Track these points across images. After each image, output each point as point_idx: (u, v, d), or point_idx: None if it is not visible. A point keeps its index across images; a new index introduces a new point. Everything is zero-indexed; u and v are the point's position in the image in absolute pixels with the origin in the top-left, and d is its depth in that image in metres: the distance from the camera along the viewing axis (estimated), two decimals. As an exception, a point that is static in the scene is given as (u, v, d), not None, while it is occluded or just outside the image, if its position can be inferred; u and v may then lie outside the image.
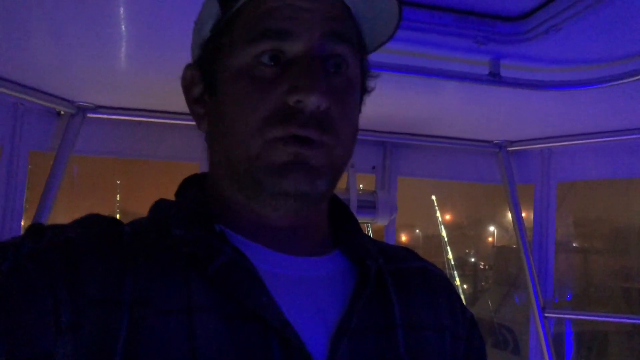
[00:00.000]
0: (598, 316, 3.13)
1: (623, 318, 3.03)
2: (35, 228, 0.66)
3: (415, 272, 0.81)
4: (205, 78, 0.73)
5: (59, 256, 0.62)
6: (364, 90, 0.77)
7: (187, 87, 0.76)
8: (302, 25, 0.67)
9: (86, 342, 0.58)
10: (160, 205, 0.75)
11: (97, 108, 2.15)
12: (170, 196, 0.78)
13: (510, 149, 2.64)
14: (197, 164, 2.17)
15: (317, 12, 0.68)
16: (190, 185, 0.77)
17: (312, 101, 0.64)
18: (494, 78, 1.59)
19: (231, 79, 0.69)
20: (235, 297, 0.64)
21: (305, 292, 0.69)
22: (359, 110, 0.76)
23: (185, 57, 0.82)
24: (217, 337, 0.61)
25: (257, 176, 0.67)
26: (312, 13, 0.67)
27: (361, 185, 2.48)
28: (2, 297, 0.57)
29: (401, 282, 0.77)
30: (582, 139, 2.44)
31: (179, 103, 0.78)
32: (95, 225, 0.68)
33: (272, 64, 0.67)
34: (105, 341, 0.59)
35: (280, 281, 0.68)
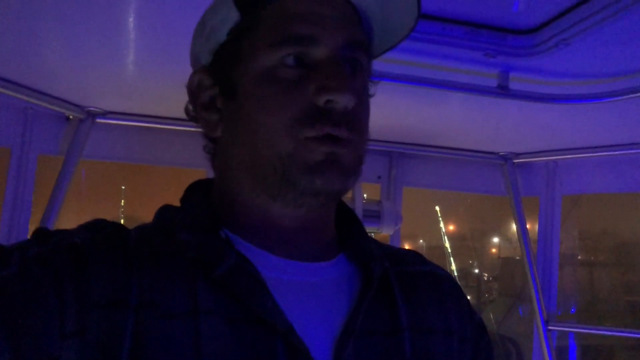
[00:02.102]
0: (602, 330, 3.12)
1: (627, 332, 3.01)
2: (41, 232, 0.67)
3: (423, 276, 0.81)
4: (222, 82, 0.73)
5: (65, 261, 0.62)
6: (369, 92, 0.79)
7: (194, 93, 0.76)
8: (325, 31, 0.68)
9: (92, 346, 0.59)
10: (165, 211, 0.75)
11: (106, 113, 2.16)
12: (175, 202, 0.78)
13: (516, 161, 2.64)
14: (204, 171, 2.18)
15: (338, 19, 0.70)
16: (196, 191, 0.77)
17: (344, 100, 0.66)
18: (503, 91, 1.60)
19: (254, 82, 0.69)
20: (240, 302, 0.64)
21: (309, 297, 0.69)
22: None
23: (195, 64, 0.82)
24: (222, 341, 0.62)
25: (290, 175, 0.67)
26: (334, 20, 0.69)
27: (365, 195, 2.48)
28: (8, 301, 0.57)
29: (408, 285, 0.77)
30: (588, 152, 2.44)
31: (188, 110, 0.78)
32: (101, 230, 0.69)
33: (296, 65, 0.68)
34: (110, 345, 0.59)
35: (285, 286, 0.68)
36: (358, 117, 0.69)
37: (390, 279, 0.76)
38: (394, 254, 0.82)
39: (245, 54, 0.70)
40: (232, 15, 0.72)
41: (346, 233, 0.79)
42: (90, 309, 0.60)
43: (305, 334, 0.64)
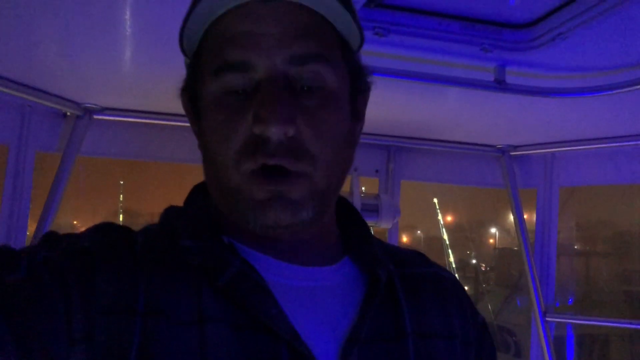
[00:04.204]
0: (599, 321, 3.14)
1: (624, 323, 3.03)
2: (50, 236, 0.67)
3: (427, 278, 0.80)
4: (192, 103, 0.73)
5: (73, 265, 0.62)
6: (358, 92, 0.74)
7: (186, 111, 0.76)
8: (262, 52, 0.64)
9: (99, 352, 0.59)
10: (170, 213, 0.75)
11: (103, 110, 2.16)
12: (174, 197, 0.78)
13: (513, 153, 2.65)
14: (202, 166, 2.16)
15: (277, 35, 0.64)
16: (198, 194, 0.77)
17: (273, 132, 0.62)
18: (499, 85, 1.60)
19: (206, 108, 0.68)
20: (245, 309, 0.64)
21: (314, 303, 0.69)
22: (356, 118, 0.74)
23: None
24: (228, 349, 0.61)
25: (241, 209, 0.66)
26: (273, 38, 0.64)
27: (363, 188, 2.48)
28: (17, 305, 0.56)
29: (412, 288, 0.76)
30: (585, 145, 2.45)
31: (185, 105, 0.78)
32: (109, 235, 0.68)
33: (240, 90, 0.65)
34: (117, 351, 0.59)
35: (289, 292, 0.67)
36: (306, 140, 0.64)
37: (395, 282, 0.75)
38: (398, 254, 0.81)
39: (198, 78, 0.69)
40: (196, 35, 0.70)
41: (351, 234, 0.78)
42: (97, 315, 0.60)
43: (310, 340, 0.64)
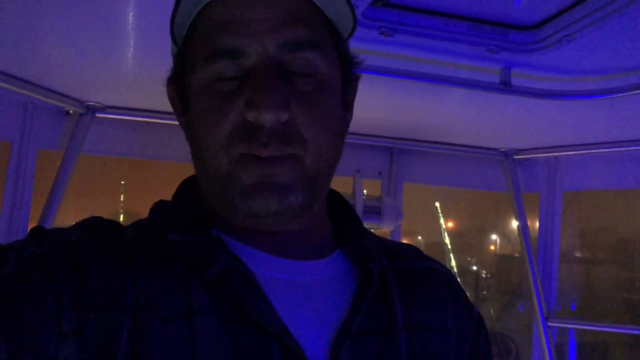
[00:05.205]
0: (602, 327, 3.12)
1: (627, 329, 3.02)
2: (38, 231, 0.66)
3: (420, 272, 0.79)
4: (180, 95, 0.72)
5: (62, 260, 0.61)
6: (348, 81, 0.74)
7: (172, 102, 0.75)
8: (254, 39, 0.63)
9: (89, 348, 0.58)
10: (159, 208, 0.74)
11: (106, 108, 2.15)
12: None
13: (516, 157, 2.64)
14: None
15: (269, 21, 0.64)
16: (187, 189, 0.76)
17: (267, 118, 0.62)
18: (505, 87, 1.59)
19: (195, 97, 0.67)
20: (234, 304, 0.63)
21: (304, 297, 0.68)
22: (346, 107, 0.74)
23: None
24: (217, 343, 0.61)
25: (229, 196, 0.65)
26: (265, 24, 0.64)
27: (365, 191, 2.48)
28: (5, 301, 0.56)
29: (405, 282, 0.75)
30: (589, 149, 2.44)
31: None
32: (98, 229, 0.68)
33: (231, 77, 0.65)
34: (107, 346, 0.59)
35: (279, 286, 0.67)
36: (301, 124, 0.64)
37: (388, 276, 0.74)
38: (391, 249, 0.80)
39: (188, 65, 0.68)
40: (185, 21, 0.68)
41: (343, 228, 0.78)
42: (87, 309, 0.59)
43: (300, 335, 0.63)
